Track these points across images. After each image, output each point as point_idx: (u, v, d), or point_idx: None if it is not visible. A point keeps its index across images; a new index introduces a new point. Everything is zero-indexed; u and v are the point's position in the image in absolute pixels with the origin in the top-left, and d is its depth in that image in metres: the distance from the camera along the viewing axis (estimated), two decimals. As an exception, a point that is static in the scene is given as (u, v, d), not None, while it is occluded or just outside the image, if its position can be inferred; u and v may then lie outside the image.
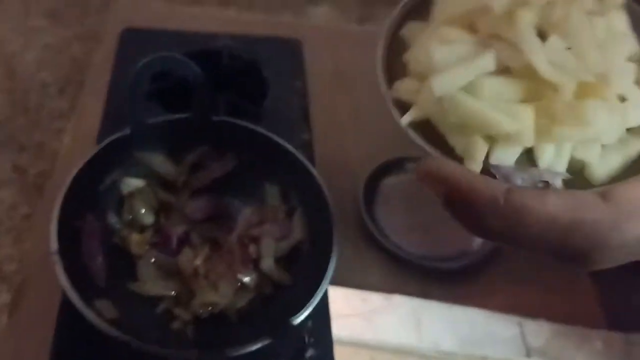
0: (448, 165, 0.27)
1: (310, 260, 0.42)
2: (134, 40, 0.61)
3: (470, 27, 0.29)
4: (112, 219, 0.43)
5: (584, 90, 0.26)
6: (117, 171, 0.43)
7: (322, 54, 0.87)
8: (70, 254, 0.38)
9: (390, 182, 0.70)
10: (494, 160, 0.27)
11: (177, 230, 0.43)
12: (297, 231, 0.44)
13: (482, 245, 0.65)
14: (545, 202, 0.25)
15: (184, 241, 0.43)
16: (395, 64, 0.32)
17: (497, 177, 0.26)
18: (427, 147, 0.28)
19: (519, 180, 0.27)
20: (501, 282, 0.64)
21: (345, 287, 0.55)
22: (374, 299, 0.54)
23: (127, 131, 0.43)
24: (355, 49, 0.92)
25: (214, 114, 0.45)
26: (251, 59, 0.60)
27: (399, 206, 0.68)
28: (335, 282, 0.40)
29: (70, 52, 0.93)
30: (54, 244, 0.37)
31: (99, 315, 0.35)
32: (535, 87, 0.27)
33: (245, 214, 0.44)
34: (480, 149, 0.27)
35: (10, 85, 0.88)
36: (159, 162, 0.45)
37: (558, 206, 0.25)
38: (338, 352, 0.46)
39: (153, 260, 0.42)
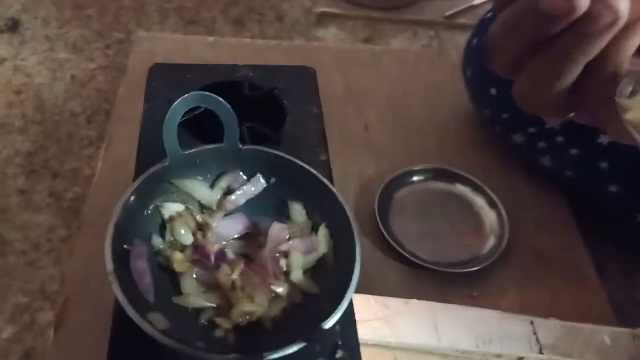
0: None
1: (335, 271, 0.47)
2: (162, 74, 0.66)
3: None
4: (156, 241, 0.47)
5: None
6: (159, 198, 0.48)
7: (332, 73, 0.92)
8: (123, 273, 0.43)
9: (401, 194, 0.75)
10: None
11: (214, 248, 0.47)
12: (322, 245, 0.48)
13: (492, 249, 0.69)
14: None
15: (221, 258, 0.47)
16: None
17: None
18: None
19: None
20: (512, 284, 0.68)
21: (367, 294, 0.59)
22: (394, 304, 0.59)
23: (165, 162, 0.48)
24: (362, 67, 0.97)
25: (242, 142, 0.50)
26: (270, 88, 0.66)
27: (412, 216, 0.73)
28: (357, 289, 0.44)
29: (95, 83, 0.99)
30: (109, 265, 0.41)
31: (152, 326, 0.39)
32: None
33: (275, 231, 0.48)
34: None
35: (41, 116, 0.93)
36: (195, 187, 0.50)
37: None
38: (363, 353, 0.50)
39: (194, 276, 0.46)
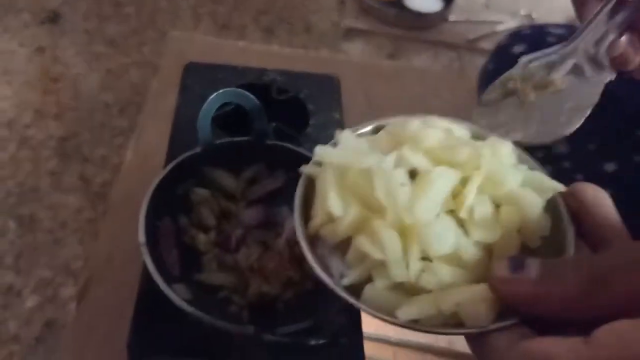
0: None
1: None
2: (196, 73, 0.71)
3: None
4: (183, 221, 0.52)
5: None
6: (188, 182, 0.53)
7: (354, 86, 0.97)
8: (152, 247, 0.47)
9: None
10: None
11: (236, 233, 0.52)
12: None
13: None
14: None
15: (241, 242, 0.51)
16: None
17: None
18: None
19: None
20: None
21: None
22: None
23: (197, 150, 0.52)
24: (385, 82, 1.01)
25: (268, 138, 0.54)
26: (296, 92, 0.70)
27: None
28: None
29: (129, 77, 1.04)
30: (142, 238, 0.46)
31: (177, 295, 0.43)
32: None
33: (292, 222, 0.52)
34: None
35: (76, 104, 0.98)
36: (222, 176, 0.54)
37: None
38: (365, 346, 0.53)
39: (216, 256, 0.51)
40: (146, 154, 0.86)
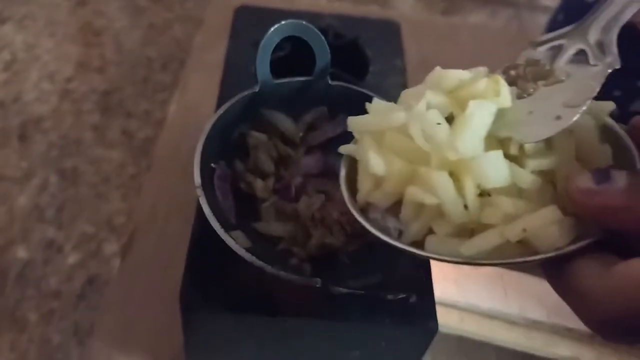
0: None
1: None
2: (248, 16, 0.66)
3: None
4: (239, 167, 0.47)
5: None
6: (245, 124, 0.48)
7: (407, 43, 0.91)
8: (208, 191, 0.43)
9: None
10: None
11: (295, 180, 0.47)
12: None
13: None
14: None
15: (301, 191, 0.47)
16: None
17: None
18: None
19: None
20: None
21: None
22: (464, 266, 0.57)
23: (256, 89, 0.47)
24: (438, 40, 0.95)
25: (331, 79, 0.49)
26: (354, 37, 0.64)
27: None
28: None
29: (172, 32, 1.00)
30: (197, 179, 0.41)
31: (236, 242, 0.39)
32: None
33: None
34: None
35: (119, 58, 0.95)
36: (281, 119, 0.49)
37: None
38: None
39: (274, 204, 0.46)
40: (189, 109, 0.83)
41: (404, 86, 0.63)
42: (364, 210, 0.35)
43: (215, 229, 0.40)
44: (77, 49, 0.92)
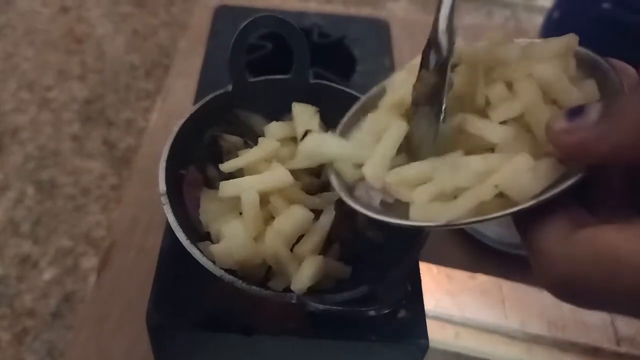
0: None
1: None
2: (228, 16, 0.63)
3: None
4: (212, 172, 0.44)
5: None
6: (217, 127, 0.44)
7: (400, 44, 0.88)
8: (175, 199, 0.39)
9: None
10: None
11: (273, 186, 0.43)
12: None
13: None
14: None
15: (280, 197, 0.43)
16: None
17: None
18: None
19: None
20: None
21: (432, 264, 0.54)
22: (459, 277, 0.54)
23: (228, 88, 0.44)
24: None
25: (311, 76, 0.46)
26: (340, 37, 0.61)
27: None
28: (421, 258, 0.40)
29: (156, 39, 0.97)
30: (162, 187, 0.38)
31: (203, 254, 0.35)
32: None
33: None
34: None
35: (100, 66, 0.92)
36: (257, 120, 0.46)
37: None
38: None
39: (250, 213, 0.42)
40: (172, 117, 0.79)
41: (393, 86, 0.59)
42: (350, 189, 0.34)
43: (181, 240, 0.36)
44: (58, 56, 0.89)
